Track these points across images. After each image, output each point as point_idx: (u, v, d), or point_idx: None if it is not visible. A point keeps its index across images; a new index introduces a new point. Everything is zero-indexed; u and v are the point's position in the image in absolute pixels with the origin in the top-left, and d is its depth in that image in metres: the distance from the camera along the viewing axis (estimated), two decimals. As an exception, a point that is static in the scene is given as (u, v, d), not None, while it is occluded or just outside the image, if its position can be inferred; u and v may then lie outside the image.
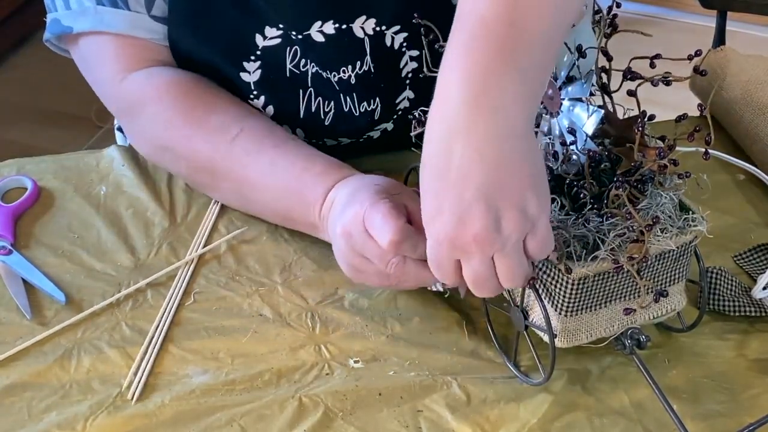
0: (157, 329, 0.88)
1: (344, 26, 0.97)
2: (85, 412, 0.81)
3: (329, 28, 0.96)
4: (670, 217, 0.79)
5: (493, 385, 0.84)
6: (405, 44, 0.98)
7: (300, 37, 0.96)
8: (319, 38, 0.96)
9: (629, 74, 0.78)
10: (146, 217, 1.00)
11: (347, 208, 0.85)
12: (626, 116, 0.82)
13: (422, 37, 0.87)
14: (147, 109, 0.98)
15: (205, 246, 0.97)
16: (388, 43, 0.99)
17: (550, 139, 0.79)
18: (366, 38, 0.98)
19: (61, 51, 1.03)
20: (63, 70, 1.03)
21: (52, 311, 0.90)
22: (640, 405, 0.83)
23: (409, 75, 1.02)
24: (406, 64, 1.01)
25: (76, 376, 0.84)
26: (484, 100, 0.69)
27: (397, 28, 0.98)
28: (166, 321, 0.89)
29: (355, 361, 0.86)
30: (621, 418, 0.82)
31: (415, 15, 0.87)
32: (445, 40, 0.86)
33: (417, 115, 0.87)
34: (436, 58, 0.93)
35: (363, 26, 0.97)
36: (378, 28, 0.98)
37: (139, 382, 0.83)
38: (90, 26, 0.96)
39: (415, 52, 0.99)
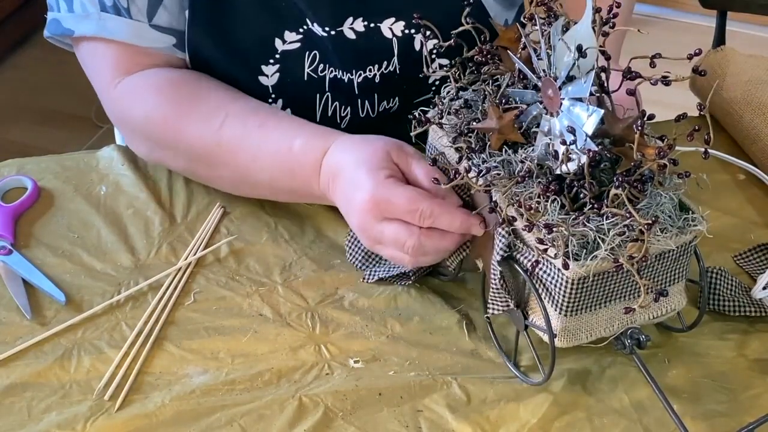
0: (147, 328, 0.88)
1: (372, 25, 0.99)
2: (85, 412, 0.81)
3: (359, 25, 0.98)
4: (670, 216, 0.79)
5: (493, 385, 0.84)
6: (435, 51, 0.98)
7: (333, 33, 0.97)
8: (351, 35, 0.98)
9: (629, 73, 0.78)
10: (146, 217, 1.00)
11: (355, 192, 0.85)
12: (625, 116, 0.82)
13: (422, 36, 0.87)
14: (138, 110, 0.99)
15: (205, 247, 0.97)
16: (417, 47, 1.01)
17: (550, 139, 0.79)
18: (394, 39, 1.00)
19: (66, 46, 1.04)
20: (63, 70, 1.04)
21: (52, 311, 0.90)
22: (640, 405, 0.83)
23: (437, 82, 1.04)
24: (435, 71, 1.01)
25: (76, 376, 0.84)
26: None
27: (423, 38, 0.98)
28: (159, 321, 0.89)
29: (355, 361, 0.86)
30: (621, 418, 0.82)
31: (415, 15, 0.87)
32: (446, 39, 0.86)
33: (417, 115, 0.88)
34: (443, 53, 0.94)
35: (391, 27, 0.99)
36: (407, 31, 1.00)
37: (119, 382, 0.83)
38: (93, 32, 0.97)
39: (445, 61, 0.99)
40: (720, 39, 1.69)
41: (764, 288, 0.91)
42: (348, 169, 0.87)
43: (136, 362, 0.85)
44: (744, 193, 1.06)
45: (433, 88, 1.05)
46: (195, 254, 0.96)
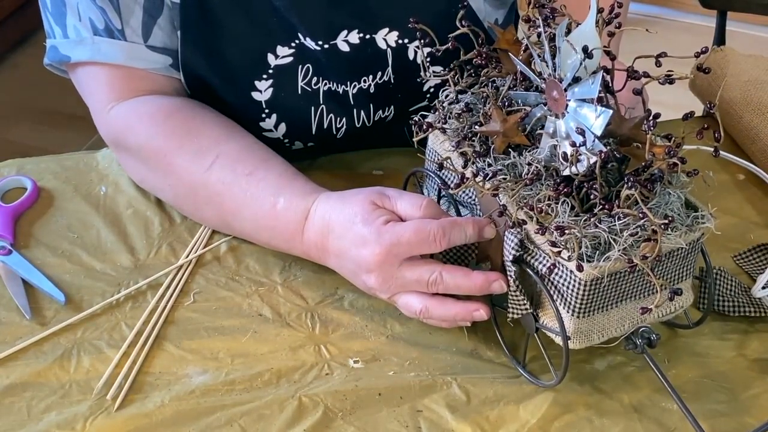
0: (147, 328, 0.88)
1: (368, 36, 0.99)
2: (85, 412, 0.81)
3: (354, 37, 0.98)
4: (678, 215, 0.79)
5: (493, 385, 0.84)
6: (429, 59, 0.99)
7: (326, 46, 0.97)
8: (344, 48, 0.98)
9: (633, 73, 0.78)
10: (146, 217, 1.00)
11: (362, 250, 0.84)
12: (626, 115, 0.82)
13: (418, 40, 0.87)
14: (130, 139, 0.98)
15: (205, 246, 0.97)
16: (411, 57, 1.01)
17: (556, 140, 0.79)
18: (389, 50, 1.00)
19: (62, 73, 1.03)
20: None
21: (52, 311, 0.90)
22: (640, 405, 0.83)
23: (431, 90, 1.04)
24: (429, 78, 1.01)
25: (76, 376, 0.84)
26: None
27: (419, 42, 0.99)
28: (158, 321, 0.89)
29: (355, 361, 0.86)
30: (621, 418, 0.82)
31: (411, 19, 0.87)
32: (443, 43, 0.86)
33: (417, 120, 0.87)
34: (436, 60, 0.94)
35: (386, 38, 0.99)
36: (401, 41, 1.00)
37: (118, 382, 0.83)
38: (87, 56, 0.96)
39: (438, 68, 0.99)
40: (720, 39, 1.68)
41: (764, 287, 0.91)
42: (341, 226, 0.86)
43: (136, 362, 0.85)
44: (744, 193, 1.06)
45: (428, 96, 1.05)
46: (196, 252, 0.96)
